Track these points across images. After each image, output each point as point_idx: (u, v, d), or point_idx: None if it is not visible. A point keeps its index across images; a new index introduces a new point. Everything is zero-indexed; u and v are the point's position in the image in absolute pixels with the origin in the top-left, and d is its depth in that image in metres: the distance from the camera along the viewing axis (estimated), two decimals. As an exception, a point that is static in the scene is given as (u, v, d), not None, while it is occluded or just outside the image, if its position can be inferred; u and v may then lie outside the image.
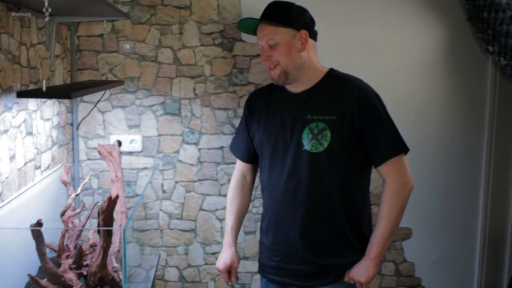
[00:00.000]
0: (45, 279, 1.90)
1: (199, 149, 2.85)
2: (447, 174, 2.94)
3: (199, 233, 2.92)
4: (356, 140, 1.89)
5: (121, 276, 2.23)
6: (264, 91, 2.13)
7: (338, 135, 1.87)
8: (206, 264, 2.94)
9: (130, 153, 2.85)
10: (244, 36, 2.76)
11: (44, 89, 1.66)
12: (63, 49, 2.65)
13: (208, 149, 2.85)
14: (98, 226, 2.00)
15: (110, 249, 2.29)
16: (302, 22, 1.93)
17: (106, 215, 1.88)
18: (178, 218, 2.90)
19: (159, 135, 2.84)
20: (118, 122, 2.83)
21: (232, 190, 2.20)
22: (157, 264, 2.60)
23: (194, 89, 2.81)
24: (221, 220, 2.90)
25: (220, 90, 2.81)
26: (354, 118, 1.87)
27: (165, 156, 2.86)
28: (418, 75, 2.84)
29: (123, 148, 2.83)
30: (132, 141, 2.83)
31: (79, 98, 2.79)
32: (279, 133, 1.96)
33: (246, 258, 2.91)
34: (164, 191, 2.88)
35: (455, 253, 3.00)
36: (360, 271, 1.91)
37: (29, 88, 2.13)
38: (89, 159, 2.85)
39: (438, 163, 2.93)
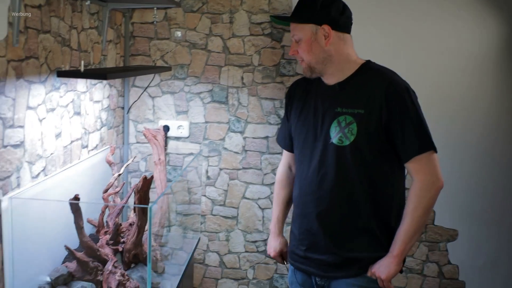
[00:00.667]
0: (82, 252, 1.99)
1: (244, 138, 2.89)
2: (496, 175, 2.84)
3: (241, 221, 2.96)
4: (384, 135, 1.85)
5: (158, 255, 2.30)
6: (304, 82, 2.13)
7: (364, 129, 1.84)
8: (246, 251, 2.98)
9: (177, 138, 2.93)
10: (294, 26, 2.76)
11: (82, 69, 1.73)
12: (117, 35, 2.75)
13: (253, 138, 2.88)
14: (134, 204, 2.08)
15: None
16: (325, 16, 1.90)
17: (142, 194, 1.94)
18: (221, 205, 2.96)
19: (206, 122, 2.90)
20: (167, 107, 2.91)
21: (278, 182, 2.23)
22: (195, 247, 2.67)
23: (242, 78, 2.85)
24: (263, 209, 2.93)
25: (267, 80, 2.84)
26: (382, 113, 1.83)
27: (211, 143, 2.91)
28: (471, 71, 2.75)
29: (171, 133, 2.91)
30: (179, 126, 2.91)
31: (130, 83, 2.89)
32: (310, 124, 1.97)
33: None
34: (208, 177, 2.94)
35: (502, 258, 2.89)
36: (382, 268, 1.88)
37: (79, 70, 2.23)
38: (138, 142, 2.94)
39: (487, 163, 2.83)
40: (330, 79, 1.96)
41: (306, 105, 2.03)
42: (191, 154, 2.90)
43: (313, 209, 1.95)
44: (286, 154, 2.22)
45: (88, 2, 1.67)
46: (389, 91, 1.84)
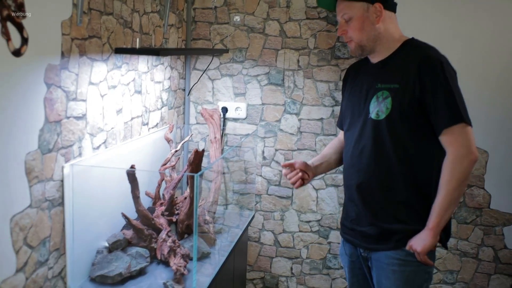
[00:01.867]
0: (138, 220, 2.13)
1: (300, 120, 2.95)
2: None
3: (295, 201, 3.03)
4: (418, 108, 1.87)
5: (211, 229, 2.41)
6: (357, 65, 2.19)
7: (399, 103, 1.88)
8: (300, 231, 3.05)
9: (235, 119, 3.03)
10: (350, 10, 2.79)
11: (137, 47, 1.86)
12: (179, 20, 2.88)
13: (308, 119, 2.94)
14: (187, 177, 2.20)
15: (204, 203, 2.48)
16: None
17: (194, 166, 2.05)
18: (276, 185, 3.04)
19: (263, 104, 2.98)
20: (225, 89, 3.01)
21: (330, 143, 2.33)
22: (249, 223, 2.76)
23: (298, 61, 2.91)
24: (317, 190, 2.99)
25: (323, 62, 2.88)
26: (415, 86, 1.86)
27: (267, 124, 2.99)
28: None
29: (229, 114, 3.01)
30: (237, 108, 3.00)
31: (192, 66, 3.01)
32: (356, 102, 2.04)
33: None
34: (264, 158, 3.02)
35: (562, 244, 2.81)
36: (418, 241, 1.89)
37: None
38: (198, 123, 3.07)
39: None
40: (376, 58, 2.01)
41: (355, 84, 2.09)
42: (248, 135, 3.00)
43: (354, 181, 2.02)
44: (340, 132, 2.29)
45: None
46: (422, 65, 1.86)
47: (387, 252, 1.96)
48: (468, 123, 1.85)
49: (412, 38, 2.01)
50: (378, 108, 1.92)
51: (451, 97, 1.86)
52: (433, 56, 1.90)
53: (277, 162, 3.02)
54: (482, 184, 2.82)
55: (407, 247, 1.93)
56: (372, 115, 1.93)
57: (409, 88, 1.87)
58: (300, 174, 2.11)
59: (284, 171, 2.14)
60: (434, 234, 1.88)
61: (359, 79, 2.08)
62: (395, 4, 1.99)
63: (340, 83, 2.84)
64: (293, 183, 2.12)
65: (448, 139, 1.87)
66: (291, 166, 2.12)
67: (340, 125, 2.27)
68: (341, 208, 2.22)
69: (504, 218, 2.83)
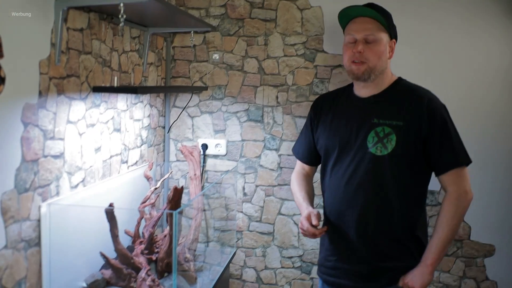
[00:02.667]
0: (116, 259, 2.11)
1: (280, 155, 2.97)
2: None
3: (277, 237, 3.02)
4: (421, 147, 1.92)
5: (192, 267, 2.39)
6: (330, 96, 2.22)
7: (403, 140, 1.91)
8: (282, 267, 3.03)
9: (215, 156, 3.03)
10: (326, 47, 2.84)
11: (115, 85, 1.87)
12: (158, 58, 2.90)
13: (288, 155, 2.95)
14: (166, 215, 2.19)
15: (185, 240, 2.47)
16: (395, 32, 2.05)
17: (173, 204, 2.05)
18: (257, 221, 3.03)
19: (243, 140, 3.00)
20: (205, 126, 3.03)
21: (295, 179, 2.30)
22: (230, 260, 2.74)
23: (277, 97, 2.94)
24: (298, 225, 2.98)
25: (301, 99, 2.92)
26: (422, 126, 1.91)
27: (247, 160, 3.00)
28: (500, 85, 2.73)
29: (209, 151, 3.02)
30: (217, 145, 3.01)
31: (171, 104, 3.03)
32: (344, 135, 2.03)
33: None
34: (245, 194, 3.02)
35: (542, 275, 2.82)
36: (416, 277, 1.91)
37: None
38: (178, 160, 3.07)
39: (526, 178, 2.79)
40: (364, 91, 2.04)
41: (336, 116, 2.09)
42: (229, 171, 3.00)
43: (349, 217, 1.99)
44: (300, 164, 2.29)
45: (121, 24, 1.80)
46: (430, 107, 1.93)
47: None
48: (468, 164, 1.97)
49: (401, 78, 2.08)
50: (380, 143, 1.93)
51: (457, 139, 1.96)
52: (437, 100, 2.00)
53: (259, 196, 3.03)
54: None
55: (400, 283, 1.93)
56: (372, 149, 1.94)
57: (414, 127, 1.91)
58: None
59: (310, 227, 1.97)
60: (432, 271, 1.91)
61: (340, 111, 2.08)
62: None
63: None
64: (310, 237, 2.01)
65: (450, 179, 1.94)
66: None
67: (301, 155, 2.26)
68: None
69: (484, 249, 2.84)
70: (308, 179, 2.28)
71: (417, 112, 1.92)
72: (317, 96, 2.81)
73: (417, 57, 2.78)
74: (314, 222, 1.95)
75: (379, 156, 1.93)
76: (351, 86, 2.16)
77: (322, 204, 2.22)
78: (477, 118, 2.78)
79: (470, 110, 2.77)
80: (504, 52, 2.73)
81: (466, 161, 1.97)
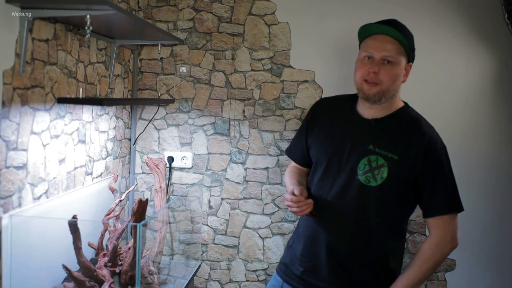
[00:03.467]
0: (79, 271, 2.08)
1: (245, 169, 2.98)
2: (495, 205, 2.87)
3: (242, 250, 3.02)
4: (412, 185, 1.87)
5: (155, 279, 2.38)
6: (332, 102, 2.12)
7: (395, 175, 1.85)
8: (247, 280, 3.03)
9: (181, 169, 3.04)
10: (293, 62, 2.88)
11: (80, 97, 1.86)
12: (125, 70, 2.90)
13: (254, 169, 2.97)
14: (130, 227, 2.18)
15: (149, 253, 2.46)
16: (413, 55, 1.97)
17: (137, 216, 2.04)
18: (222, 234, 3.03)
19: (209, 153, 3.01)
20: (171, 139, 3.03)
21: (288, 172, 2.23)
22: (194, 273, 2.74)
23: (244, 111, 2.96)
24: (264, 238, 3.00)
25: (267, 113, 2.95)
26: (416, 164, 1.84)
27: (213, 173, 3.01)
28: (463, 104, 2.82)
29: (175, 164, 3.02)
30: (183, 158, 3.02)
31: (137, 116, 3.02)
32: (336, 152, 1.96)
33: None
34: (210, 207, 3.03)
35: (501, 289, 2.90)
36: None
37: (84, 100, 2.36)
38: (143, 173, 3.06)
39: (486, 193, 2.87)
40: (368, 112, 1.95)
41: (333, 128, 2.01)
42: (194, 184, 3.00)
43: (325, 236, 1.95)
44: (294, 163, 2.24)
45: (87, 36, 1.80)
46: (429, 146, 1.86)
47: None
48: (459, 212, 1.91)
49: (407, 105, 2.01)
50: (370, 173, 1.87)
51: (452, 185, 1.89)
52: (439, 139, 1.92)
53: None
54: (424, 230, 2.90)
55: None
56: (361, 178, 1.88)
57: (409, 164, 1.85)
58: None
59: (293, 197, 1.89)
60: None
61: (340, 125, 2.00)
62: None
63: (286, 133, 2.90)
64: (299, 212, 1.90)
65: (437, 223, 1.89)
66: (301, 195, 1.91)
67: (295, 157, 2.21)
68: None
69: (446, 264, 2.91)
70: (301, 173, 2.19)
71: (414, 149, 1.85)
72: (284, 111, 2.87)
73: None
74: (296, 192, 1.89)
75: (367, 186, 1.87)
76: (355, 98, 2.05)
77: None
78: (442, 136, 2.83)
79: (436, 127, 2.83)
80: (468, 71, 2.81)
81: (457, 209, 1.90)
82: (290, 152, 2.26)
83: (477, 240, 2.89)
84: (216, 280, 3.07)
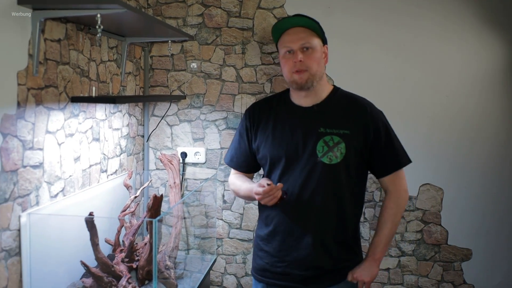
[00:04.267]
0: (97, 267, 2.11)
1: (258, 162, 2.99)
2: (506, 194, 2.86)
3: (257, 243, 3.04)
4: (367, 153, 2.01)
5: (172, 274, 2.40)
6: (266, 103, 2.18)
7: (353, 148, 1.97)
8: (263, 273, 3.05)
9: (194, 164, 3.06)
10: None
11: (93, 95, 1.89)
12: (136, 67, 2.92)
13: (267, 162, 2.98)
14: (146, 223, 2.20)
15: (165, 248, 2.48)
16: (325, 38, 2.07)
17: (153, 212, 2.06)
18: (237, 228, 3.05)
19: (221, 148, 3.03)
20: (184, 135, 3.05)
21: (234, 178, 2.23)
22: (210, 267, 2.76)
23: (255, 105, 2.97)
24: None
25: (253, 103, 2.94)
26: (367, 134, 1.98)
27: (227, 168, 3.03)
28: (477, 92, 2.82)
29: (188, 159, 3.04)
30: (196, 153, 3.04)
31: (150, 113, 3.05)
32: (290, 144, 2.01)
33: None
34: (225, 201, 3.05)
35: (518, 277, 2.89)
36: (364, 271, 2.03)
37: (97, 99, 2.39)
38: (157, 169, 3.09)
39: (501, 182, 2.86)
40: (305, 101, 2.04)
41: (278, 126, 2.06)
42: (208, 179, 3.02)
43: (303, 224, 2.00)
44: (236, 171, 2.25)
45: (99, 35, 1.82)
46: (373, 114, 2.02)
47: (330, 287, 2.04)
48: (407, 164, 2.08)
49: (336, 86, 2.13)
50: (330, 152, 1.96)
51: (399, 143, 2.07)
52: (375, 107, 2.08)
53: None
54: (439, 220, 2.90)
55: (349, 278, 2.02)
56: (323, 159, 1.96)
57: (361, 135, 1.98)
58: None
59: (266, 188, 1.90)
60: (379, 264, 2.06)
61: (282, 120, 2.06)
62: None
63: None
64: (273, 199, 1.92)
65: (392, 180, 2.06)
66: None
67: (236, 164, 2.22)
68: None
69: (462, 254, 2.91)
70: (247, 177, 2.21)
71: (361, 121, 1.99)
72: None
73: (393, 64, 2.84)
74: (267, 182, 1.92)
75: (331, 165, 1.96)
76: (286, 94, 2.15)
77: (260, 219, 2.17)
78: (453, 125, 2.85)
79: (447, 117, 2.85)
80: (480, 58, 2.81)
81: (407, 161, 2.07)
82: (232, 161, 2.24)
83: (493, 230, 2.88)
84: (232, 274, 3.09)
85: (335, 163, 1.96)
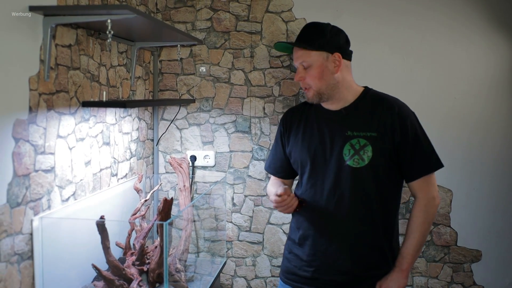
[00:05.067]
0: (108, 271, 2.13)
1: (267, 165, 3.01)
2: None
3: (266, 246, 3.05)
4: (395, 155, 1.95)
5: (182, 277, 2.42)
6: (299, 109, 2.20)
7: (379, 150, 1.93)
8: (272, 276, 3.06)
9: (204, 167, 3.07)
10: (311, 58, 2.90)
11: (104, 100, 1.90)
12: (145, 72, 2.95)
13: (276, 165, 2.99)
14: (156, 226, 2.22)
15: (175, 251, 2.50)
16: (336, 44, 1.99)
17: (163, 215, 2.08)
18: (247, 231, 3.07)
19: (231, 151, 3.04)
20: (193, 138, 3.07)
21: (270, 184, 2.27)
22: (221, 270, 2.77)
23: (264, 108, 2.99)
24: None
25: (287, 109, 2.96)
26: (395, 135, 1.93)
27: (236, 171, 3.04)
28: (486, 94, 2.82)
29: (198, 163, 3.06)
30: (205, 156, 3.05)
31: (159, 117, 3.07)
32: (318, 148, 2.03)
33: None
34: (234, 204, 3.06)
35: (528, 278, 2.88)
36: (392, 283, 1.96)
37: (107, 103, 2.41)
38: (167, 172, 3.10)
39: (510, 184, 2.85)
40: (334, 105, 2.03)
41: (307, 130, 2.08)
42: (217, 182, 3.04)
43: (331, 229, 2.00)
44: (275, 178, 2.26)
45: (109, 40, 1.84)
46: (401, 115, 1.96)
47: None
48: (438, 169, 1.99)
49: (368, 87, 2.08)
50: (356, 156, 1.94)
51: (429, 145, 1.99)
52: (406, 107, 2.02)
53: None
54: (448, 222, 2.90)
55: None
56: (349, 162, 1.94)
57: (388, 136, 1.94)
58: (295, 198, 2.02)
59: (278, 198, 1.96)
60: (406, 275, 1.97)
61: (311, 124, 2.08)
62: (351, 53, 2.06)
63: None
64: (287, 209, 1.99)
65: (421, 185, 1.98)
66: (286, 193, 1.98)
67: (275, 171, 2.24)
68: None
69: (471, 255, 2.90)
70: (283, 183, 2.23)
71: (389, 122, 1.95)
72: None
73: (401, 66, 2.85)
74: (280, 191, 1.96)
75: (357, 168, 1.94)
76: None
77: (292, 222, 2.19)
78: (464, 126, 2.84)
79: (457, 118, 2.84)
80: (488, 60, 2.81)
81: (437, 166, 1.99)
82: (270, 167, 2.28)
83: (503, 231, 2.87)
84: (242, 277, 3.10)
85: (362, 166, 1.93)
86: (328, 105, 2.05)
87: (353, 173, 1.95)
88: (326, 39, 1.99)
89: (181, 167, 2.67)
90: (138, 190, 2.54)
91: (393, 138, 1.93)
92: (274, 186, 2.20)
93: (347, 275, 1.99)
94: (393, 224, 2.05)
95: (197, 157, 3.06)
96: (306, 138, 2.07)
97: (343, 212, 1.98)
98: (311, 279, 2.05)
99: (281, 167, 2.22)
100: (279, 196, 1.96)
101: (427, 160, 1.97)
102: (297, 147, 2.10)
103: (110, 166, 2.49)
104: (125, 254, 2.35)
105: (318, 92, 1.98)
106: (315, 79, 1.97)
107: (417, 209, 1.98)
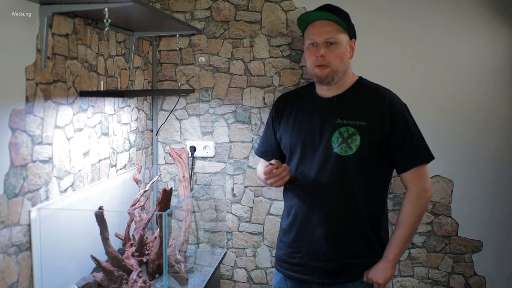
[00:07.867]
0: (107, 262, 2.12)
1: (267, 156, 2.99)
2: (516, 185, 2.85)
3: (267, 237, 3.04)
4: (384, 146, 1.96)
5: (182, 267, 2.41)
6: (292, 95, 2.23)
7: (367, 140, 1.94)
8: (272, 267, 3.05)
9: (203, 158, 3.06)
10: (311, 47, 2.87)
11: (102, 89, 1.88)
12: (144, 62, 2.92)
13: (276, 155, 2.97)
14: (156, 217, 2.20)
15: (175, 242, 2.48)
16: (354, 31, 2.05)
17: (162, 205, 2.07)
18: (247, 221, 3.05)
19: (230, 141, 3.02)
20: (193, 129, 3.05)
21: (259, 165, 2.30)
22: (221, 260, 2.76)
23: (264, 98, 2.97)
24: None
25: (280, 94, 2.94)
26: (385, 125, 1.94)
27: (236, 161, 3.02)
28: (485, 83, 2.79)
29: (197, 153, 3.04)
30: (205, 147, 3.04)
31: (158, 107, 3.05)
32: (307, 134, 2.04)
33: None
34: (234, 195, 3.04)
35: (529, 269, 2.87)
36: (379, 273, 1.97)
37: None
38: (166, 163, 3.09)
39: (506, 173, 2.83)
40: (329, 91, 2.04)
41: (298, 116, 2.09)
42: (217, 173, 3.02)
43: (316, 216, 2.01)
44: (264, 162, 2.25)
45: (106, 29, 1.82)
46: (392, 106, 1.96)
47: (346, 284, 2.00)
48: (430, 161, 1.99)
49: (361, 77, 2.10)
50: (344, 144, 1.95)
51: (420, 137, 1.99)
52: (398, 99, 2.03)
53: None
54: (449, 212, 2.88)
55: (364, 278, 1.98)
56: (337, 150, 1.96)
57: (377, 126, 1.94)
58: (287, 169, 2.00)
59: (267, 169, 1.97)
60: (393, 265, 1.98)
61: (303, 110, 2.09)
62: None
63: (305, 119, 2.90)
64: (279, 180, 1.98)
65: (412, 176, 1.98)
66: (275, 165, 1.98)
67: (265, 156, 2.25)
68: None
69: (472, 245, 2.89)
70: None
71: (379, 112, 1.95)
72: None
73: (402, 56, 2.82)
74: (272, 161, 1.98)
75: (344, 156, 1.95)
76: (312, 85, 2.16)
77: (284, 210, 2.21)
78: (463, 117, 2.82)
79: (456, 109, 2.82)
80: (489, 50, 2.78)
81: (428, 158, 1.99)
82: (259, 151, 2.31)
83: (504, 221, 2.86)
84: (242, 267, 3.09)
85: (349, 155, 1.94)
86: (324, 91, 2.05)
87: (339, 161, 1.96)
88: (350, 23, 2.03)
89: (180, 157, 2.65)
90: (137, 181, 2.53)
91: (383, 129, 1.94)
92: (263, 165, 2.18)
93: (332, 261, 2.00)
94: (381, 214, 2.05)
95: (196, 148, 3.04)
96: (297, 124, 2.08)
97: (328, 200, 1.99)
98: (298, 265, 2.06)
99: (270, 151, 2.24)
100: (271, 164, 1.96)
101: (417, 151, 1.97)
102: (287, 133, 2.11)
103: (109, 157, 2.47)
104: (124, 245, 2.34)
105: (334, 71, 1.97)
106: (337, 59, 1.96)
107: (407, 200, 1.98)
